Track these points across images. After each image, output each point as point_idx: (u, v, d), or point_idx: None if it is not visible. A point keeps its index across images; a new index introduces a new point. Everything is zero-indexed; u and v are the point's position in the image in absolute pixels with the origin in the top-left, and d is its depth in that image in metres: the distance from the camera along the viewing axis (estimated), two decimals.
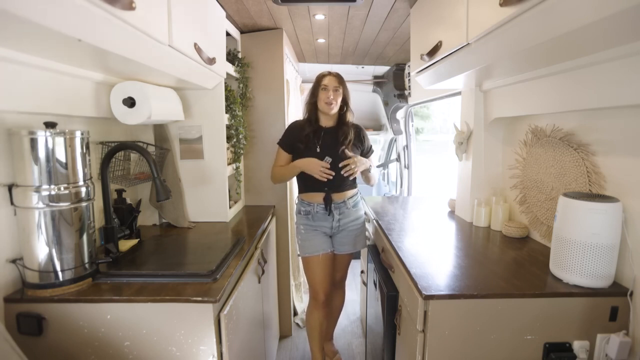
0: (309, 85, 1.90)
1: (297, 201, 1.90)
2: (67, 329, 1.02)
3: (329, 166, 1.70)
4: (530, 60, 1.16)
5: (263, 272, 1.64)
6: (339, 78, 1.79)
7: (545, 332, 1.04)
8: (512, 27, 0.90)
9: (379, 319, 1.58)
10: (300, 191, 1.88)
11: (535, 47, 0.94)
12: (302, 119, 1.89)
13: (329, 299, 1.89)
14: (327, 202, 1.78)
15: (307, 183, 1.81)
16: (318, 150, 1.76)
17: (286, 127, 1.92)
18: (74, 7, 0.72)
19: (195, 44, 1.27)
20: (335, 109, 1.77)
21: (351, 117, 1.86)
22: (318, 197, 1.80)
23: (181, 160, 1.77)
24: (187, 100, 1.73)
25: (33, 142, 0.98)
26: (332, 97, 1.74)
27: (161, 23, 1.05)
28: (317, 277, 1.82)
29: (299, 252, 1.89)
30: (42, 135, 0.99)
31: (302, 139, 1.78)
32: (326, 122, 1.82)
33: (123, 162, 1.52)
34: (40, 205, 1.00)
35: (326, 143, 1.77)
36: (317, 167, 1.70)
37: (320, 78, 1.80)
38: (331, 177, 1.69)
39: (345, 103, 1.82)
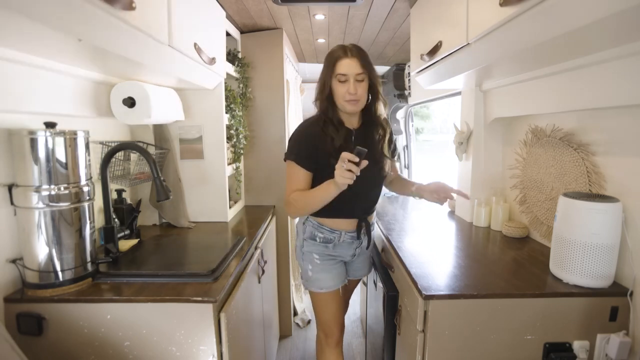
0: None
1: (308, 222, 1.40)
2: (67, 329, 1.02)
3: (356, 159, 1.09)
4: (530, 60, 1.16)
5: (263, 272, 1.64)
6: (361, 59, 1.23)
7: (545, 332, 1.04)
8: (512, 27, 0.90)
9: (379, 319, 1.58)
10: (320, 214, 1.34)
11: (535, 47, 0.94)
12: (312, 119, 1.33)
13: (343, 331, 1.50)
14: (366, 230, 1.41)
15: (334, 206, 1.26)
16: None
17: (295, 133, 1.33)
18: (74, 7, 0.72)
19: (195, 44, 1.27)
20: (361, 106, 1.29)
21: (382, 110, 1.36)
22: (348, 224, 1.38)
23: (181, 160, 1.77)
24: (187, 100, 1.73)
25: (33, 142, 0.98)
26: (355, 91, 1.22)
27: (161, 23, 1.05)
28: (333, 314, 1.42)
29: (308, 286, 1.43)
30: (42, 135, 0.99)
31: (330, 150, 1.25)
32: (348, 120, 1.33)
33: (123, 162, 1.52)
34: (40, 205, 1.00)
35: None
36: (344, 174, 1.10)
37: (333, 62, 1.24)
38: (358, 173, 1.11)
39: (373, 91, 1.30)
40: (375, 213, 1.50)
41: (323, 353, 1.49)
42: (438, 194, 1.36)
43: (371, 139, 1.36)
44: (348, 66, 1.22)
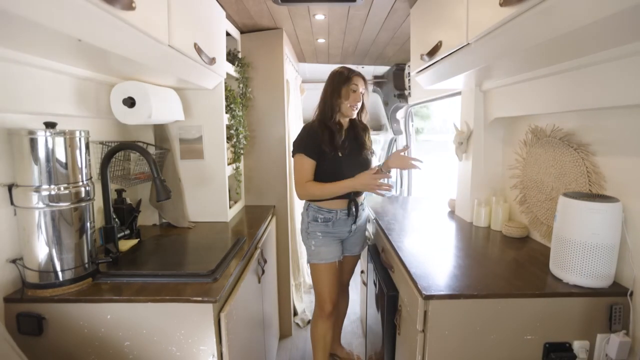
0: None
1: (311, 208, 1.71)
2: (68, 329, 1.02)
3: (390, 176, 1.58)
4: (530, 60, 1.16)
5: (263, 272, 1.64)
6: (365, 80, 1.68)
7: (545, 332, 1.04)
8: (512, 27, 0.90)
9: (379, 319, 1.58)
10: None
11: (535, 47, 0.94)
12: (314, 122, 1.67)
13: (336, 307, 1.79)
14: (355, 207, 1.69)
15: None
16: (340, 154, 1.63)
17: (301, 133, 1.67)
18: (74, 7, 0.72)
19: (195, 44, 1.27)
20: (355, 113, 1.68)
21: (366, 118, 1.78)
22: (341, 203, 1.68)
23: (181, 160, 1.77)
24: (187, 100, 1.73)
25: (33, 142, 0.98)
26: (360, 101, 1.65)
27: (161, 23, 1.05)
28: (328, 285, 1.71)
29: (310, 260, 1.74)
30: (42, 135, 0.99)
31: (330, 144, 1.60)
32: (343, 122, 1.73)
33: (123, 162, 1.52)
34: (41, 205, 1.00)
35: (348, 147, 1.67)
36: (375, 183, 1.55)
37: (349, 77, 1.63)
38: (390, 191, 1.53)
39: (362, 104, 1.71)
40: (364, 196, 1.80)
41: (315, 324, 1.79)
42: (398, 163, 1.66)
43: (360, 136, 1.74)
44: (359, 82, 1.64)
